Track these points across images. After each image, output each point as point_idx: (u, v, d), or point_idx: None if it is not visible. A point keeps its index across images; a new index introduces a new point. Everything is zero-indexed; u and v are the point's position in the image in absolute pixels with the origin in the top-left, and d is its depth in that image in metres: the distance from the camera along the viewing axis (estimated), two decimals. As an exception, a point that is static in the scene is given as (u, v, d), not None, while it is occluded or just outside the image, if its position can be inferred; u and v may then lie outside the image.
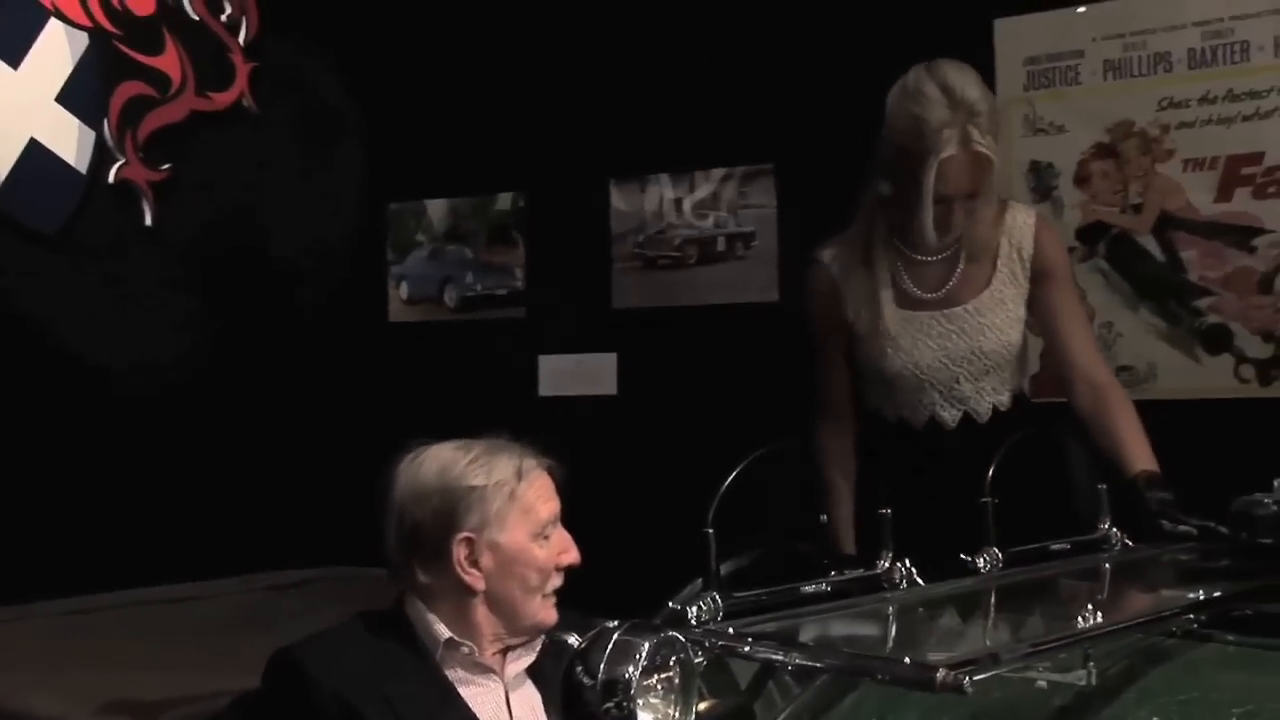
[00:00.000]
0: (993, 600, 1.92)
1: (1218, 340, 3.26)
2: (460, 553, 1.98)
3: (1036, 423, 2.73)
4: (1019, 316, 2.75)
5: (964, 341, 2.73)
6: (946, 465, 2.63)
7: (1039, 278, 2.75)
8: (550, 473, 2.08)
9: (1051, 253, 2.78)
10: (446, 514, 1.98)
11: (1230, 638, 1.73)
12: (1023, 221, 2.77)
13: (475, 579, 1.98)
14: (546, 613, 2.03)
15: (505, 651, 2.05)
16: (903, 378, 2.75)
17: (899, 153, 2.66)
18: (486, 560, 1.99)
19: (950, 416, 2.76)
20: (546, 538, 2.03)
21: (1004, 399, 2.77)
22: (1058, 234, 2.95)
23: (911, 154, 2.62)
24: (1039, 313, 2.77)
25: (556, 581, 2.05)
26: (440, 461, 2.02)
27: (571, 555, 2.06)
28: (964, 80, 2.62)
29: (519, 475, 2.02)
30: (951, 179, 2.61)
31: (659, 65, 3.87)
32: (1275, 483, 2.13)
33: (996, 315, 2.74)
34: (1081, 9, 3.39)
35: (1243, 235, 3.22)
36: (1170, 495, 2.40)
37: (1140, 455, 2.55)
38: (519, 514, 2.00)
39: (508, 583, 1.99)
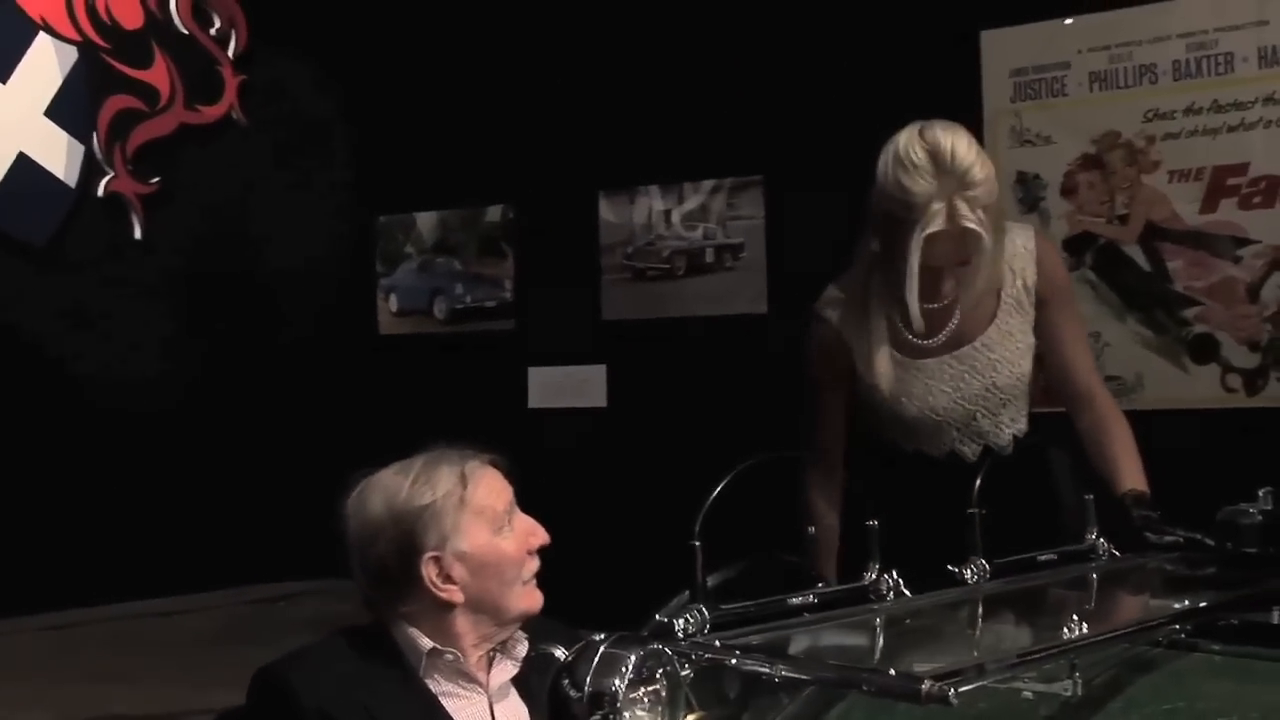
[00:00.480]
0: (980, 611, 1.92)
1: (1205, 350, 3.26)
2: (430, 573, 1.96)
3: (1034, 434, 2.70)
4: (1029, 345, 2.67)
5: (977, 380, 2.65)
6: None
7: (1043, 302, 2.67)
8: (495, 465, 2.07)
9: (1054, 275, 2.69)
10: (405, 541, 1.97)
11: (1216, 647, 1.72)
12: (1023, 246, 2.65)
13: (452, 593, 1.97)
14: (530, 598, 2.03)
15: (490, 660, 2.04)
16: (920, 421, 2.66)
17: (886, 217, 2.53)
18: (459, 572, 1.98)
19: (971, 451, 2.68)
20: (510, 527, 2.02)
21: (1022, 426, 2.70)
22: (1056, 250, 2.86)
23: (898, 221, 2.49)
24: (1042, 334, 2.68)
25: (533, 566, 2.04)
26: (384, 491, 2.01)
27: (539, 536, 2.05)
28: (956, 146, 2.46)
29: (463, 481, 2.01)
30: (938, 253, 2.48)
31: (648, 77, 3.87)
32: (1260, 492, 2.13)
33: (1007, 349, 2.65)
34: (1068, 21, 3.39)
35: (1228, 245, 3.22)
36: (1155, 514, 2.39)
37: (1131, 474, 2.51)
38: (474, 517, 1.99)
39: (486, 584, 1.99)
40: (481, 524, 2.00)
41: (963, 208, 2.44)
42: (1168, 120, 3.28)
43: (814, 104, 3.63)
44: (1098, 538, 2.22)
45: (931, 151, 2.45)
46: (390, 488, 2.00)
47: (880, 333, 2.64)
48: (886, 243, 2.56)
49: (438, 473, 2.00)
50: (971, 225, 2.44)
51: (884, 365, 2.64)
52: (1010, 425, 2.68)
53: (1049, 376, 2.72)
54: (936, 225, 2.44)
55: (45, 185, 3.62)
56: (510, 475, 2.07)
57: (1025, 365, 2.66)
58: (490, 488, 2.02)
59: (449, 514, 1.97)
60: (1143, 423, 3.23)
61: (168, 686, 2.48)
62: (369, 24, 4.23)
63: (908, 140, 2.49)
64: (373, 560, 1.99)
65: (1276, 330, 3.18)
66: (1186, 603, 1.88)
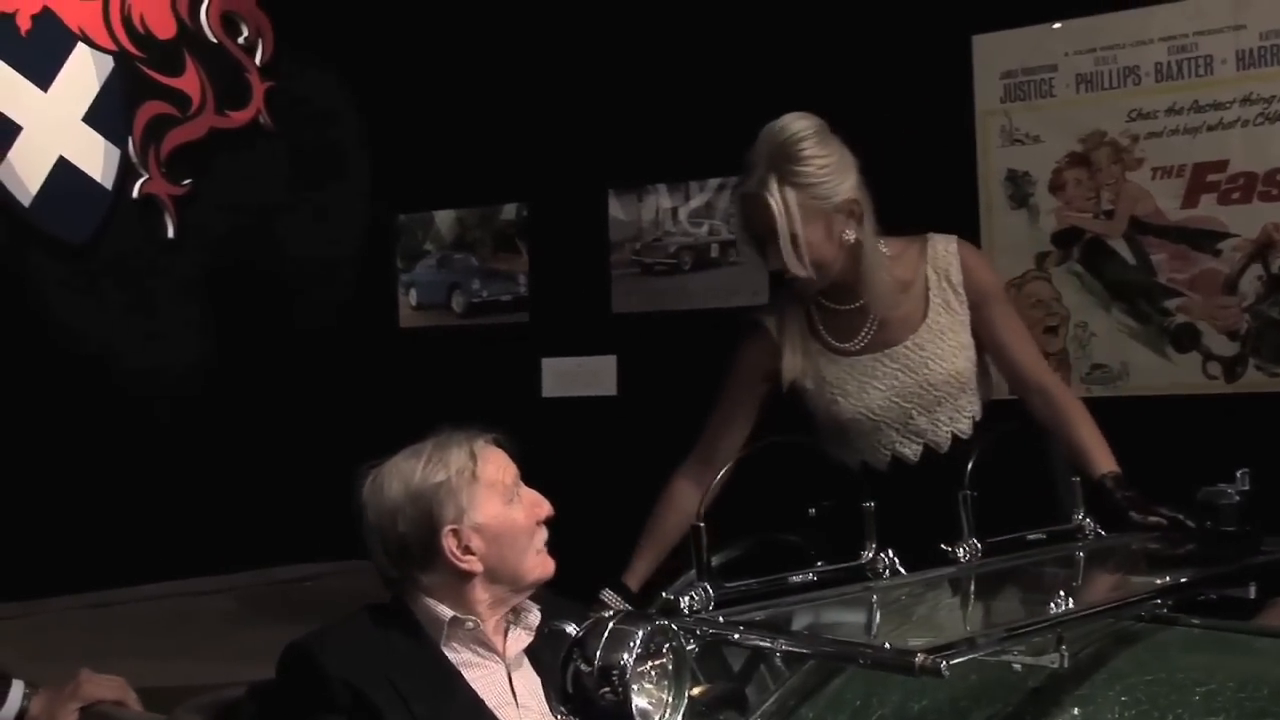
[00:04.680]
0: (972, 588, 1.93)
1: (1186, 339, 3.26)
2: (450, 545, 1.99)
3: (1016, 418, 2.69)
4: (963, 344, 2.63)
5: (910, 378, 2.61)
6: (913, 498, 2.41)
7: (976, 304, 2.63)
8: (499, 444, 2.10)
9: (982, 275, 2.66)
10: (425, 517, 1.99)
11: (1195, 621, 1.73)
12: (944, 250, 2.65)
13: (471, 563, 2.00)
14: (544, 565, 2.07)
15: (506, 629, 2.06)
16: (857, 422, 2.62)
17: None
18: (476, 542, 2.00)
19: (911, 452, 2.63)
20: (519, 499, 2.06)
21: (963, 426, 2.65)
22: (982, 255, 2.82)
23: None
24: (982, 336, 2.65)
25: (543, 535, 2.08)
26: (400, 474, 2.04)
27: (545, 508, 2.10)
28: (789, 125, 2.51)
29: (473, 457, 2.04)
30: (746, 217, 2.55)
31: (654, 82, 3.87)
32: (1238, 474, 2.13)
33: (938, 346, 2.61)
34: (1056, 25, 3.38)
35: (1209, 239, 3.21)
36: (1135, 493, 2.37)
37: (1103, 457, 2.47)
38: (486, 490, 2.02)
39: (502, 552, 2.02)
40: (493, 496, 2.03)
41: (771, 179, 2.46)
42: (1150, 120, 3.27)
43: (815, 105, 3.61)
44: (1084, 518, 2.23)
45: (770, 127, 2.51)
46: (405, 471, 2.03)
47: (805, 334, 2.64)
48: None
49: (448, 452, 2.03)
50: (765, 194, 2.45)
51: (825, 359, 2.62)
52: (949, 424, 2.64)
53: (1003, 376, 2.70)
54: (748, 187, 2.49)
55: (84, 187, 3.62)
56: (513, 454, 2.10)
57: (959, 364, 2.62)
58: (498, 463, 2.06)
59: (463, 489, 2.00)
60: (1127, 408, 3.25)
61: (201, 661, 2.49)
62: (390, 35, 4.23)
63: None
64: (394, 540, 2.01)
65: (1254, 320, 3.17)
66: (1167, 579, 1.89)
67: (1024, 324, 2.76)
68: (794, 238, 2.47)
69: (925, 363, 2.61)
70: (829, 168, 2.51)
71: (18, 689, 2.26)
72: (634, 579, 2.62)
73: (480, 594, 2.01)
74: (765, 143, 2.50)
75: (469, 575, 2.00)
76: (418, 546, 2.00)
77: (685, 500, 2.63)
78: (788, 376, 2.66)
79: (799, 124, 2.52)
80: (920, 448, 2.64)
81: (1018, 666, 1.55)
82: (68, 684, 2.26)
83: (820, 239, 2.51)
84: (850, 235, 2.53)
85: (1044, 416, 2.60)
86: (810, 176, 2.48)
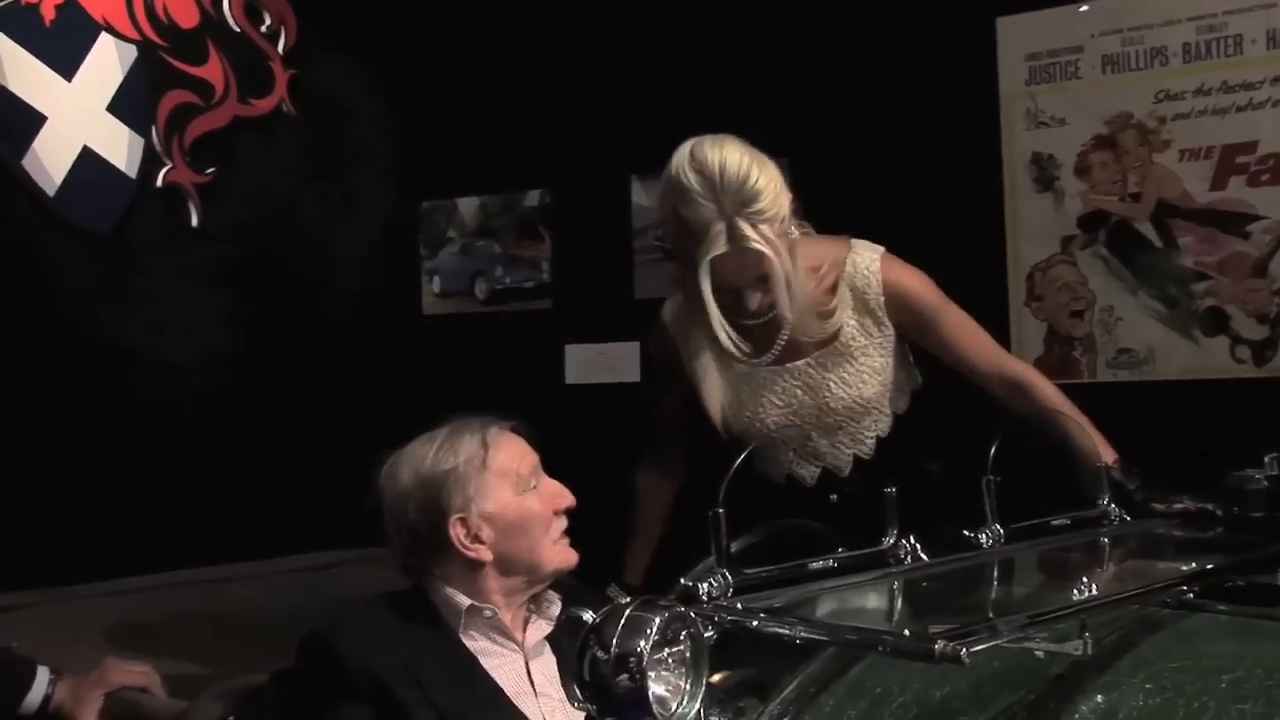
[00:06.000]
0: (994, 574, 1.90)
1: (1214, 323, 3.22)
2: (458, 533, 1.97)
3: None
4: (875, 368, 2.45)
5: (808, 398, 2.45)
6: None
7: (908, 323, 2.45)
8: (518, 432, 2.07)
9: (908, 290, 2.44)
10: (432, 505, 1.98)
11: (1222, 607, 1.70)
12: (865, 268, 2.44)
13: (481, 552, 1.98)
14: (563, 555, 2.04)
15: (526, 619, 2.04)
16: (750, 433, 2.46)
17: (675, 242, 2.35)
18: (486, 532, 1.98)
19: (808, 474, 2.51)
20: (535, 489, 2.03)
21: (866, 448, 2.50)
22: (908, 271, 2.52)
23: (684, 246, 2.30)
24: (934, 350, 2.48)
25: (561, 524, 2.05)
26: (411, 461, 2.02)
27: (565, 498, 2.06)
28: (727, 163, 2.25)
29: (484, 446, 2.02)
30: (728, 274, 2.28)
31: (678, 66, 3.85)
32: (1266, 459, 2.10)
33: (843, 369, 2.44)
34: (1083, 7, 3.34)
35: (1237, 222, 3.17)
36: (1144, 479, 2.29)
37: (1101, 445, 2.29)
38: (497, 478, 2.00)
39: (514, 543, 1.99)
40: (504, 485, 2.01)
41: (744, 227, 2.24)
42: (1178, 101, 3.23)
43: (838, 88, 3.59)
44: (1109, 503, 2.20)
45: (700, 172, 2.25)
46: (417, 457, 2.02)
47: (703, 343, 2.44)
48: (681, 265, 2.37)
49: (460, 440, 2.02)
50: (756, 245, 2.25)
51: (721, 366, 2.45)
52: (850, 447, 2.50)
53: (969, 379, 2.52)
54: (719, 248, 2.25)
55: (108, 176, 3.62)
56: (534, 441, 2.08)
57: (867, 390, 2.45)
58: (511, 452, 2.03)
59: (471, 477, 1.99)
60: (1154, 393, 3.22)
61: (224, 648, 2.49)
62: (413, 22, 4.22)
63: (678, 165, 2.29)
64: (405, 526, 2.00)
65: (1284, 303, 3.13)
66: (1194, 565, 1.86)
67: (970, 320, 2.53)
68: (788, 278, 2.30)
69: (826, 384, 2.46)
70: (774, 184, 2.30)
71: (43, 675, 2.27)
72: (635, 576, 2.59)
73: (494, 583, 2.00)
74: (698, 194, 2.25)
75: (479, 564, 1.98)
76: (427, 534, 1.99)
77: (654, 503, 2.62)
78: (685, 373, 2.51)
79: (736, 156, 2.28)
80: (818, 470, 2.51)
81: (1040, 654, 1.53)
82: (93, 670, 2.27)
83: (805, 272, 2.34)
84: (794, 232, 2.36)
85: (1018, 406, 2.42)
86: (769, 206, 2.27)
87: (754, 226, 2.26)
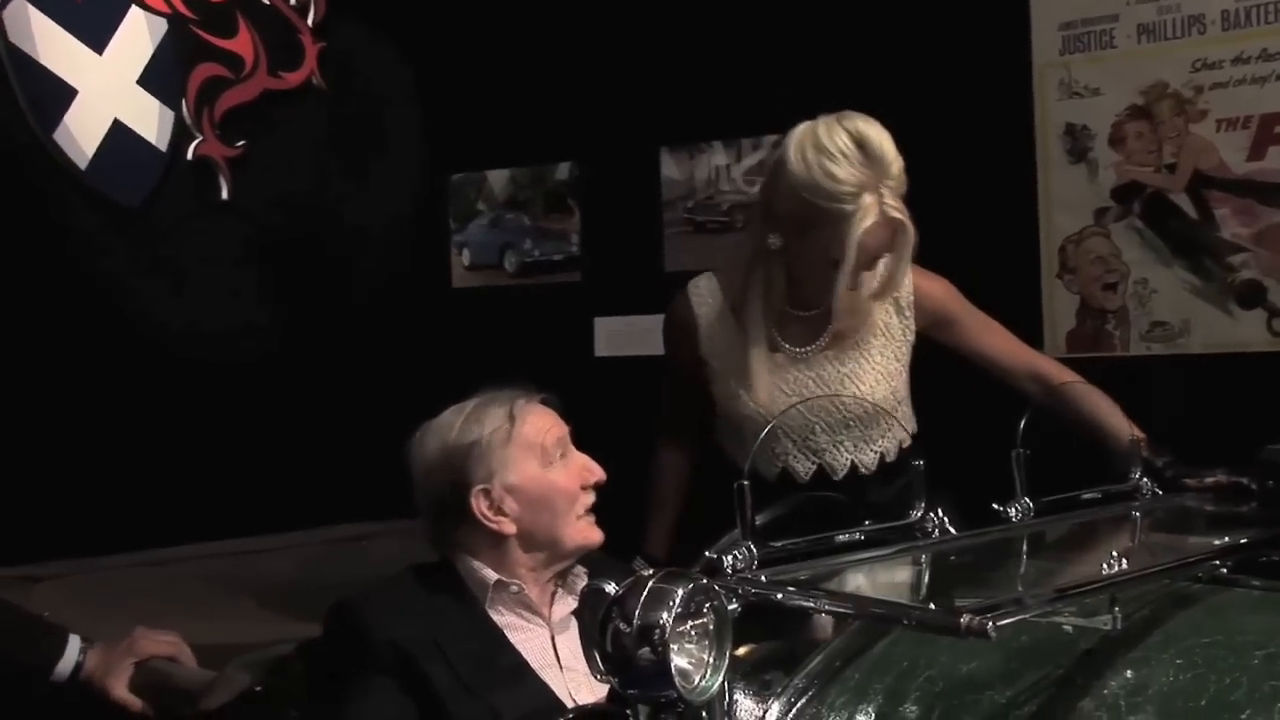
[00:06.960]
0: (1023, 548, 1.88)
1: (1251, 296, 3.17)
2: (481, 505, 1.97)
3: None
4: (887, 371, 2.49)
5: (820, 389, 2.47)
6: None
7: (933, 325, 2.51)
8: (547, 404, 2.06)
9: (936, 290, 2.52)
10: (456, 476, 1.97)
11: (1256, 582, 1.68)
12: None
13: (504, 524, 1.97)
14: (588, 532, 2.02)
15: (553, 595, 2.04)
16: (753, 421, 2.47)
17: (803, 211, 2.34)
18: (509, 504, 1.97)
19: (803, 469, 2.51)
20: (562, 461, 2.01)
21: (866, 458, 2.52)
22: (931, 274, 2.60)
23: (821, 214, 2.30)
24: (963, 354, 2.54)
25: (587, 500, 2.03)
26: (439, 431, 2.02)
27: (594, 473, 2.04)
28: (881, 136, 2.31)
29: (510, 418, 2.00)
30: (870, 245, 2.33)
31: (708, 38, 3.82)
32: (1302, 432, 2.07)
33: (858, 365, 2.48)
34: (1117, -25, 3.29)
35: (1275, 193, 3.12)
36: (1173, 456, 2.28)
37: (1122, 425, 2.26)
38: (521, 451, 1.98)
39: (538, 516, 1.98)
40: (529, 458, 1.99)
41: (890, 198, 2.29)
42: (1216, 70, 3.17)
43: (868, 59, 3.55)
44: (1141, 477, 2.17)
45: (858, 141, 2.29)
46: (444, 427, 2.01)
47: (755, 329, 2.46)
48: (799, 238, 2.38)
49: (487, 411, 2.01)
50: (900, 216, 2.31)
51: (751, 354, 2.46)
52: (851, 451, 2.51)
53: (996, 379, 2.56)
54: (871, 218, 2.28)
55: (139, 150, 3.63)
56: (564, 415, 2.06)
57: (877, 391, 2.48)
58: (538, 424, 2.01)
59: (496, 449, 1.98)
60: (1188, 366, 3.18)
61: (253, 619, 2.51)
62: (441, -8, 4.21)
63: (828, 130, 2.31)
64: (431, 499, 2.00)
65: (1323, 275, 3.08)
66: (1226, 539, 1.83)
67: (989, 318, 2.61)
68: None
69: (841, 379, 2.49)
70: (902, 161, 2.36)
71: (74, 644, 2.28)
72: (658, 549, 2.59)
73: (519, 556, 1.99)
74: (853, 159, 2.29)
75: (504, 538, 1.98)
76: (452, 505, 1.98)
77: (669, 481, 2.63)
78: (700, 355, 2.54)
79: (878, 129, 2.34)
80: (814, 467, 2.52)
81: (1069, 628, 1.51)
82: (124, 639, 2.29)
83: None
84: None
85: (1045, 400, 2.44)
86: (902, 177, 2.34)
87: (895, 197, 2.31)
